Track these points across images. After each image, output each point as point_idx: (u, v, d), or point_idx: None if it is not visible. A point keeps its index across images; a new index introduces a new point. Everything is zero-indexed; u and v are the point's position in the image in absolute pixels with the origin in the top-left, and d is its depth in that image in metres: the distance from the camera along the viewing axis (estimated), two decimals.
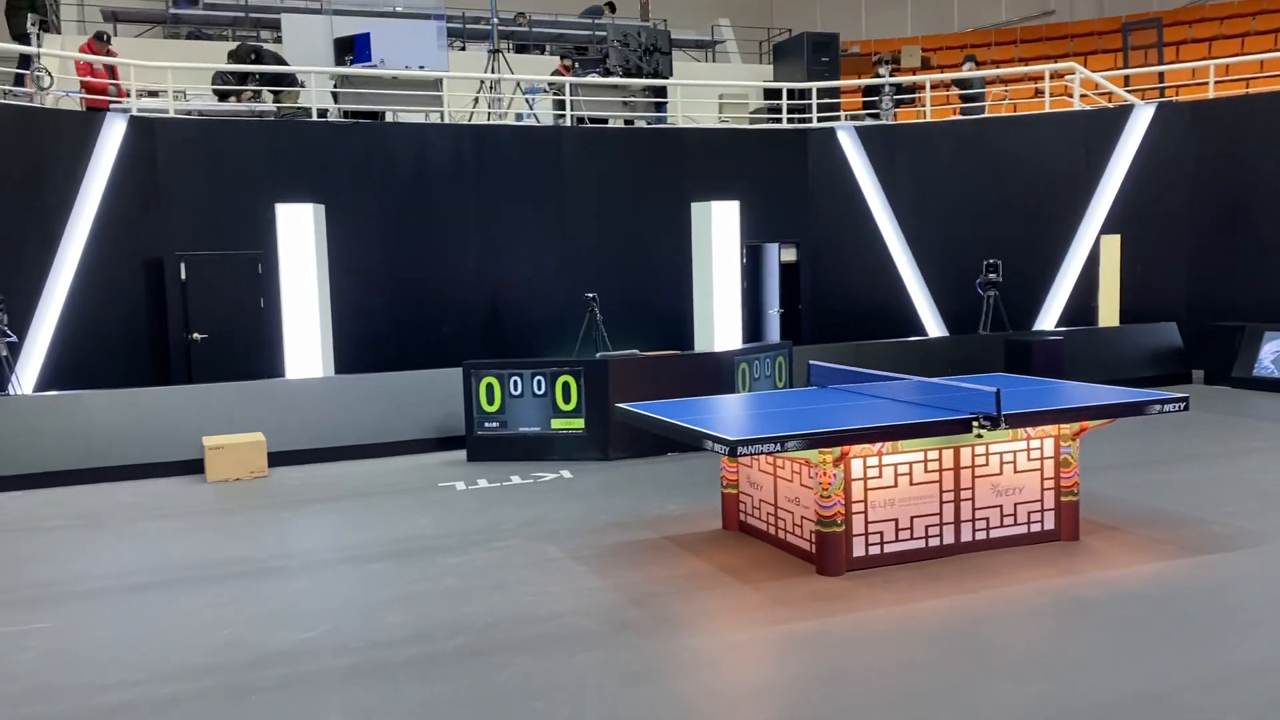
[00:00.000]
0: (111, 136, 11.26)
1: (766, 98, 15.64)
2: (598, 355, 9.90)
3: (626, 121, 14.28)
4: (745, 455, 5.11)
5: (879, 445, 5.58)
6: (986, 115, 14.63)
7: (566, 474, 8.43)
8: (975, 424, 5.55)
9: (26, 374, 10.32)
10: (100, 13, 14.79)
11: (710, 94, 15.58)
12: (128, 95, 12.10)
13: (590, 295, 12.06)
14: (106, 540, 6.83)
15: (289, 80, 13.09)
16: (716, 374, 9.19)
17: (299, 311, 11.06)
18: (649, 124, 14.25)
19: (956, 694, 4.08)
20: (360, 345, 11.83)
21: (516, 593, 5.47)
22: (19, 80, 11.53)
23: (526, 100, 14.08)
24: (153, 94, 12.36)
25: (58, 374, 10.64)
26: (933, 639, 4.65)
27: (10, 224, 10.45)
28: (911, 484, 5.73)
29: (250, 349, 11.46)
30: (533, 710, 4.03)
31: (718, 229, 11.92)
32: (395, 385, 9.89)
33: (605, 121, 14.25)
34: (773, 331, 14.07)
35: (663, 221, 13.41)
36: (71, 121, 11.25)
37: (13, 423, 8.61)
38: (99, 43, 11.73)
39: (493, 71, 14.08)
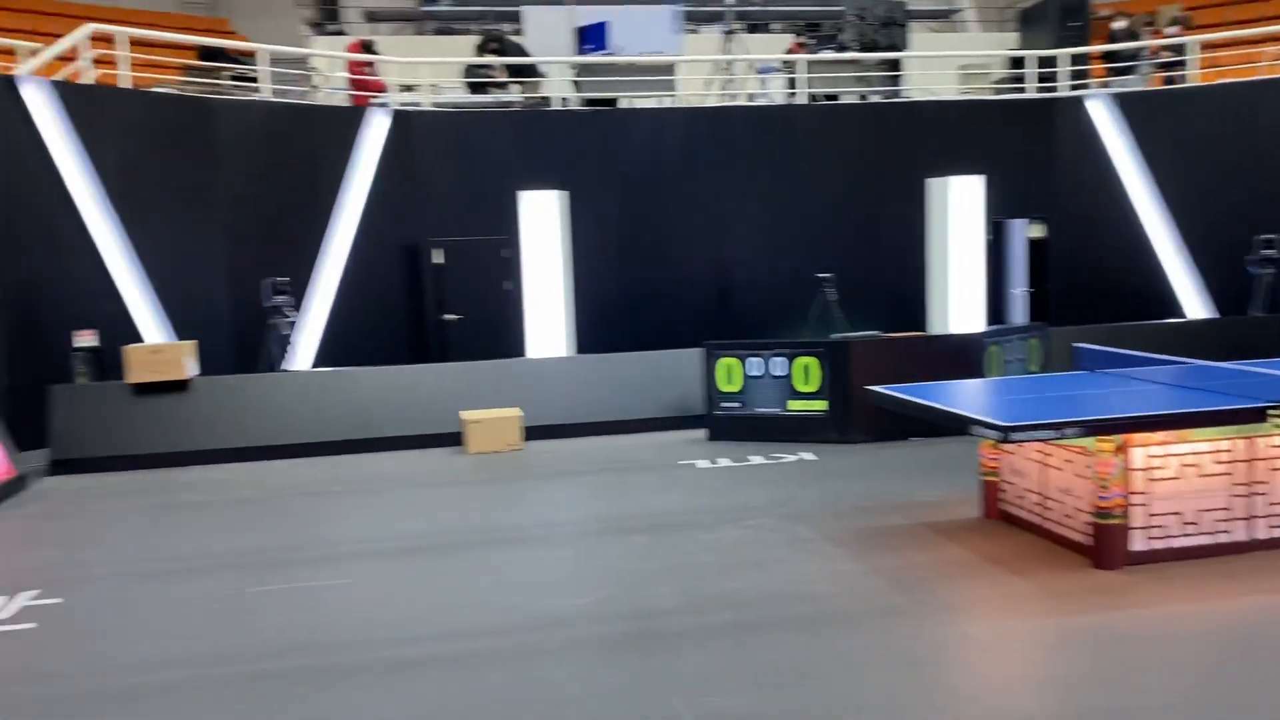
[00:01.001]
0: (375, 130, 12.05)
1: (1011, 66, 14.93)
2: (834, 336, 9.79)
3: (860, 97, 13.99)
4: (1019, 441, 4.92)
5: (1163, 434, 5.25)
6: (1265, 78, 13.40)
7: (809, 456, 8.40)
8: (1272, 413, 5.14)
9: (303, 351, 11.24)
10: (361, 13, 15.84)
11: (949, 65, 15.01)
12: (386, 90, 12.90)
13: (824, 275, 11.93)
14: (383, 506, 7.37)
15: (532, 71, 13.59)
16: (963, 357, 8.89)
17: (541, 293, 11.52)
18: (884, 98, 13.90)
19: (1262, 696, 3.80)
20: (597, 325, 12.17)
21: (775, 571, 5.50)
22: (296, 80, 12.51)
23: (759, 80, 14.03)
24: (409, 88, 13.12)
25: (328, 351, 11.53)
26: (1230, 640, 4.35)
27: (291, 214, 11.40)
28: (1199, 476, 5.36)
29: (497, 329, 12.02)
30: (809, 690, 4.05)
31: (957, 205, 11.51)
32: (637, 365, 10.14)
33: (837, 98, 14.02)
34: (1016, 312, 13.46)
35: (898, 199, 13.06)
36: (340, 117, 12.12)
37: (296, 396, 9.42)
38: (363, 47, 12.54)
39: (726, 53, 14.11)
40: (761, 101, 13.94)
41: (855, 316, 12.06)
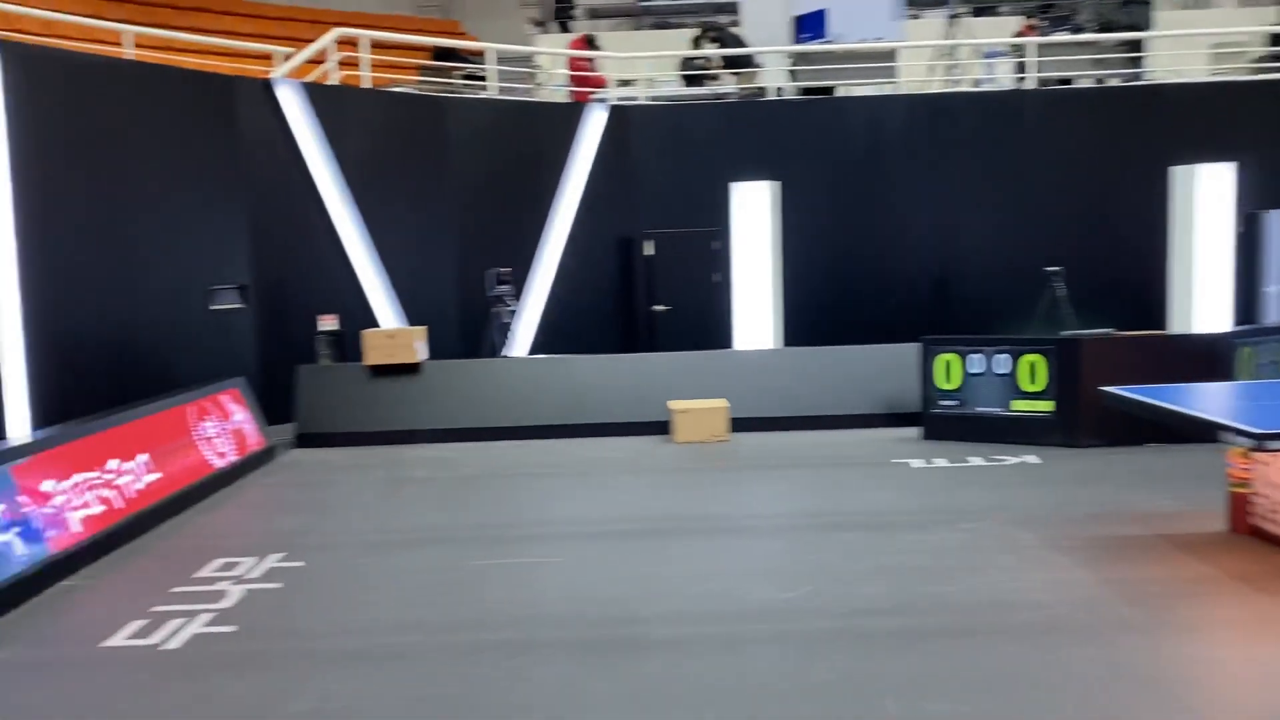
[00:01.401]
0: (593, 125, 12.35)
1: (1272, 44, 13.67)
2: (1064, 334, 9.26)
3: (1097, 81, 13.15)
4: (1276, 450, 4.50)
5: None
6: None
7: (1032, 459, 7.99)
8: None
9: (521, 338, 11.68)
10: (584, 10, 16.29)
11: (1199, 45, 13.90)
12: (606, 86, 13.19)
13: (1052, 269, 11.32)
14: (596, 489, 7.56)
15: (748, 61, 13.56)
16: (1210, 358, 8.21)
17: (750, 285, 11.49)
18: (1123, 81, 13.02)
19: None
20: (806, 318, 12.01)
21: (993, 577, 5.27)
22: (522, 78, 12.99)
23: (986, 65, 13.45)
24: (626, 83, 13.37)
25: (544, 339, 11.93)
26: None
27: (514, 207, 11.87)
28: None
29: (705, 320, 12.07)
30: (1030, 701, 3.86)
31: (1205, 195, 10.64)
32: (847, 358, 9.95)
33: (1070, 82, 13.24)
34: (1270, 311, 12.32)
35: (1135, 188, 12.20)
36: (561, 113, 12.49)
37: (515, 381, 9.80)
38: (588, 45, 12.86)
39: (950, 38, 13.60)
40: (987, 87, 13.36)
41: (1085, 312, 11.38)
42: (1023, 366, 8.56)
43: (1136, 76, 13.10)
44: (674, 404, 9.24)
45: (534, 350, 11.71)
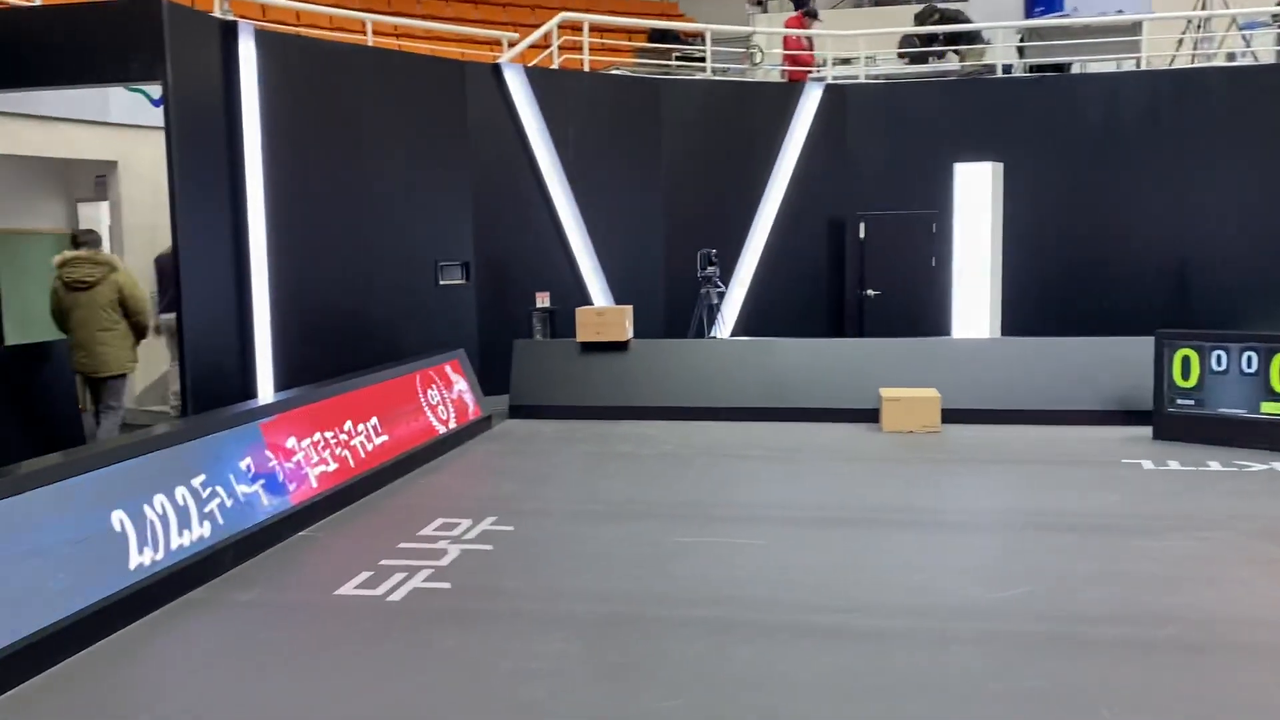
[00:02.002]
0: (808, 104, 12.17)
1: None
2: None
3: None
4: None
5: None
6: None
7: None
8: None
9: (726, 319, 11.69)
10: None
11: None
12: (824, 65, 12.97)
13: None
14: (799, 475, 7.49)
15: (972, 38, 12.99)
16: None
17: (969, 270, 11.05)
18: None
19: None
20: (1028, 306, 11.46)
21: (1231, 591, 4.87)
22: (739, 59, 12.96)
23: (1242, 37, 12.34)
24: (845, 62, 13.09)
25: (750, 321, 11.90)
26: None
27: (724, 188, 11.88)
28: None
29: (918, 306, 11.71)
30: None
31: None
32: (1071, 351, 9.42)
33: None
34: None
35: None
36: (776, 93, 12.38)
37: (720, 362, 9.83)
38: (809, 19, 12.65)
39: (1203, 8, 12.56)
40: (1244, 61, 12.26)
41: None
42: (1276, 366, 7.84)
43: None
44: (884, 391, 9.02)
45: (739, 332, 11.70)
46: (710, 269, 10.60)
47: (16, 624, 3.95)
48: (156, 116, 8.48)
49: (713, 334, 10.87)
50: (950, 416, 9.00)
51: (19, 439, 6.85)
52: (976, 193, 10.84)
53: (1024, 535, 5.89)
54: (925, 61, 13.01)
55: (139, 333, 7.85)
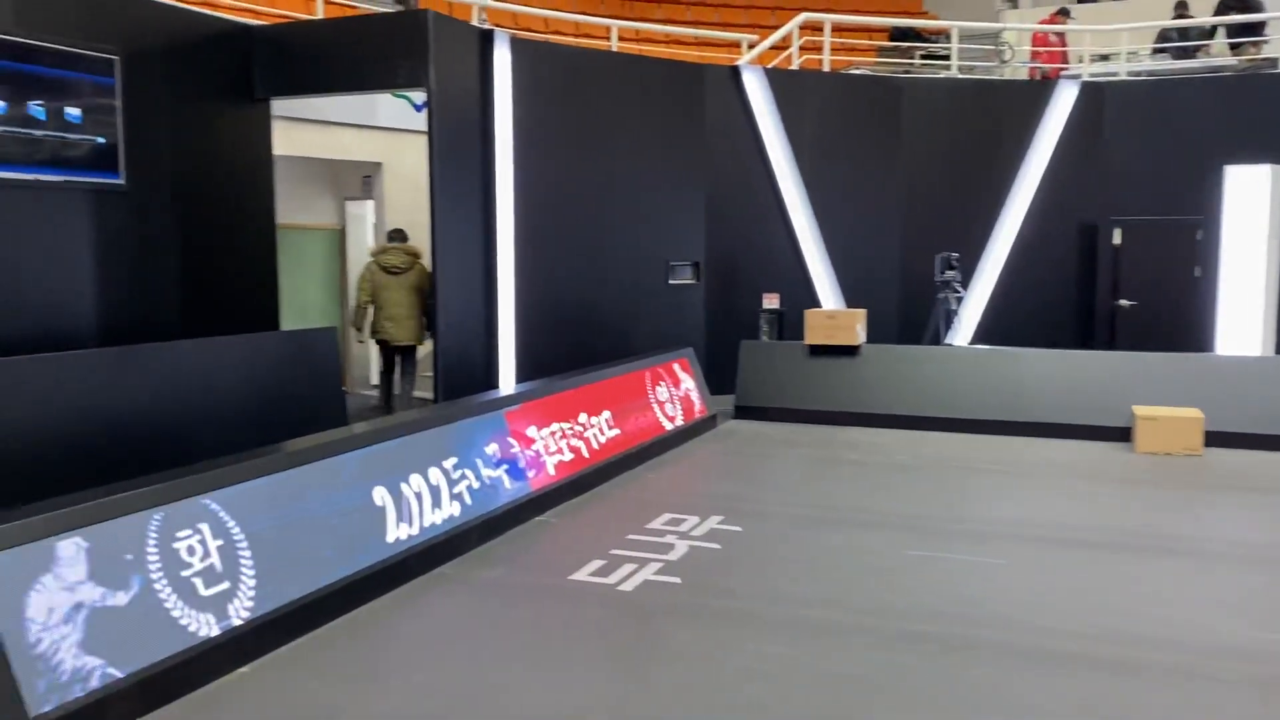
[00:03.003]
0: (1060, 104, 11.54)
1: None
2: None
3: None
4: None
5: None
6: None
7: None
8: None
9: (965, 327, 11.27)
10: None
11: None
12: (1080, 62, 12.27)
13: None
14: (1041, 492, 7.13)
15: (1255, 31, 11.93)
16: None
17: (1240, 282, 10.16)
18: None
19: None
20: None
21: None
22: (986, 56, 12.46)
23: None
24: (1104, 58, 12.33)
25: (988, 329, 11.42)
26: None
27: (966, 190, 11.46)
28: None
29: (1178, 319, 10.87)
30: None
31: None
32: None
33: None
34: None
35: None
36: (1025, 91, 11.81)
37: (956, 371, 9.49)
38: (1062, 15, 12.03)
39: None
40: None
41: None
42: None
43: None
44: (1139, 409, 8.44)
45: (978, 340, 11.25)
46: (950, 273, 10.26)
47: (291, 586, 4.34)
48: (419, 121, 9.09)
49: (949, 341, 10.51)
50: (1214, 439, 8.32)
51: (291, 416, 7.50)
52: (1251, 198, 9.94)
53: None
54: (1193, 56, 12.04)
55: (430, 315, 8.74)
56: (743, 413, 9.85)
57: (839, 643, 4.40)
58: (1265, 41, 11.88)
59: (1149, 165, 11.35)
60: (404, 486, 5.16)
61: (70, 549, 3.48)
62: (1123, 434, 8.58)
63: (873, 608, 4.83)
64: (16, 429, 5.75)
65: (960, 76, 12.03)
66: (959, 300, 10.47)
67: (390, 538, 4.99)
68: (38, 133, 7.04)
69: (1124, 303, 11.20)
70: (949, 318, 10.40)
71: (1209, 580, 5.26)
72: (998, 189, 11.60)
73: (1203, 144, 10.90)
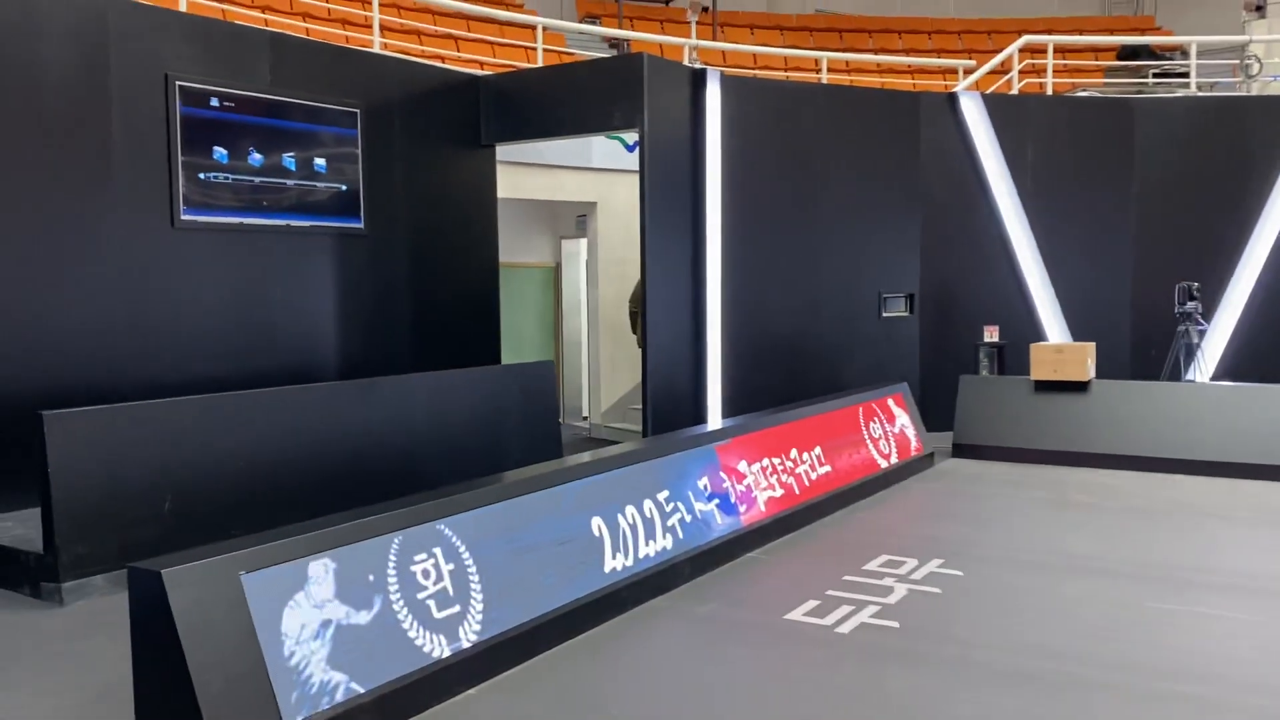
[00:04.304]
0: None
1: None
2: None
3: None
4: None
5: None
6: None
7: None
8: None
9: (1207, 361, 10.44)
10: None
11: None
12: None
13: None
14: None
15: None
16: None
17: None
18: None
19: None
20: None
21: None
22: (1231, 71, 11.61)
23: None
24: None
25: (1235, 363, 10.54)
26: None
27: (1206, 213, 10.65)
28: None
29: None
30: None
31: None
32: None
33: None
34: None
35: None
36: (1276, 107, 10.90)
37: (1197, 408, 8.79)
38: None
39: None
40: None
41: None
42: None
43: None
44: None
45: (1223, 375, 10.40)
46: (1191, 304, 9.55)
47: (515, 612, 4.48)
48: (630, 160, 9.32)
49: (1190, 376, 9.77)
50: None
51: (512, 446, 7.80)
52: None
53: None
54: None
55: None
56: (961, 451, 9.47)
57: (1075, 698, 4.12)
58: None
59: None
60: (619, 518, 5.25)
61: (320, 569, 3.72)
62: None
63: (1114, 662, 4.50)
64: (266, 456, 6.24)
65: (1199, 94, 11.24)
66: (1201, 333, 9.72)
67: (607, 568, 5.08)
68: (289, 182, 7.67)
69: None
70: (1190, 351, 9.67)
71: None
72: (1245, 213, 10.72)
73: None
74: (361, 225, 8.12)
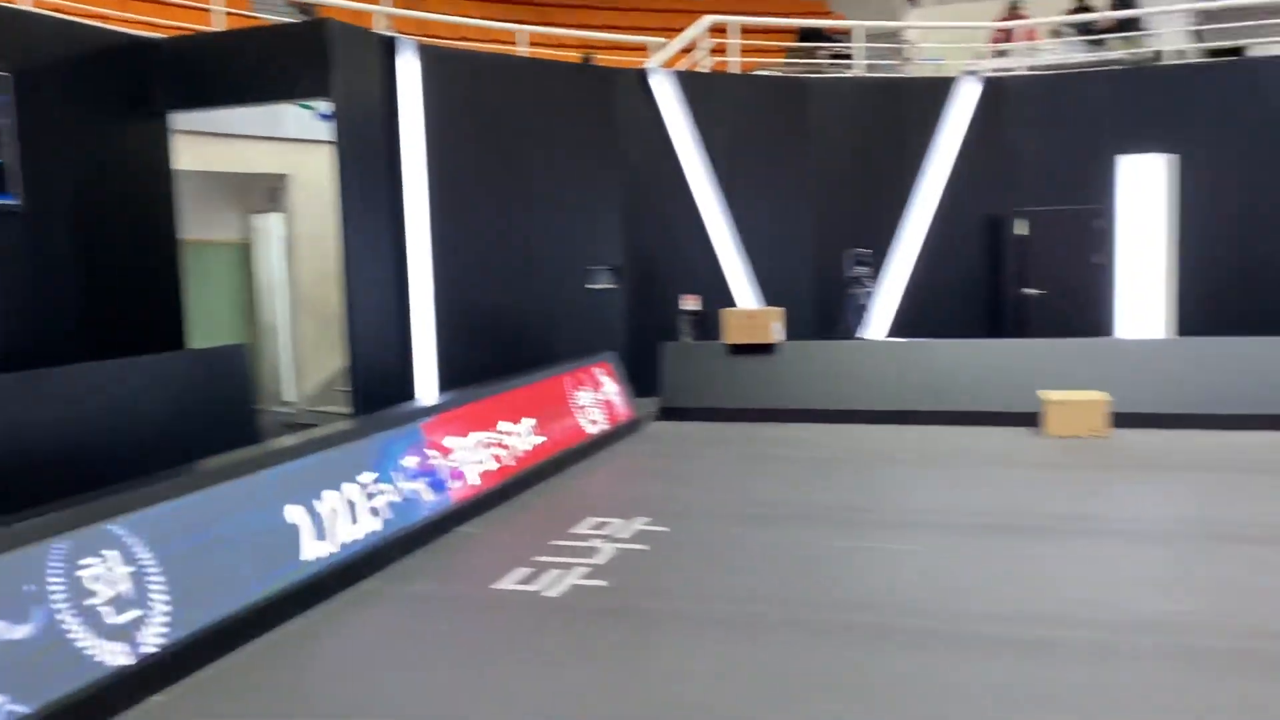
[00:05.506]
0: (963, 100, 11.81)
1: None
2: None
3: None
4: None
5: None
6: None
7: None
8: None
9: (879, 321, 11.46)
10: None
11: None
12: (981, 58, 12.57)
13: None
14: (957, 480, 7.28)
15: (1136, 24, 12.38)
16: None
17: (1137, 268, 10.52)
18: None
19: None
20: (1206, 304, 10.80)
21: None
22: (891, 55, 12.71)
23: None
24: (1002, 53, 12.67)
25: (904, 321, 11.63)
26: None
27: (874, 185, 11.65)
28: None
29: (1082, 306, 11.21)
30: None
31: None
32: (1256, 351, 8.87)
33: None
34: None
35: None
36: (928, 88, 12.05)
37: (872, 363, 9.65)
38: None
39: None
40: None
41: None
42: None
43: None
44: (1046, 394, 8.68)
45: (894, 333, 11.46)
46: (859, 269, 10.43)
47: (208, 609, 4.21)
48: (325, 131, 8.93)
49: (860, 334, 10.68)
50: (1120, 421, 8.59)
51: (201, 436, 7.30)
52: (1143, 186, 10.31)
53: (1203, 546, 5.57)
54: (1094, 48, 12.44)
55: None
56: (667, 414, 9.88)
57: (767, 637, 4.42)
58: (1148, 35, 12.32)
59: (1049, 157, 11.67)
60: (318, 503, 5.06)
61: None
62: (1032, 419, 8.82)
63: (800, 601, 4.87)
64: None
65: (866, 75, 12.25)
66: (868, 294, 10.66)
67: (309, 555, 4.89)
68: None
69: (1030, 291, 11.50)
70: (859, 312, 10.57)
71: (1119, 558, 5.42)
72: (905, 185, 11.81)
73: (1100, 136, 11.25)
74: (15, 201, 7.28)
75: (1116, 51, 12.39)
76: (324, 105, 8.77)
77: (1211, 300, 10.91)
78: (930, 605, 4.77)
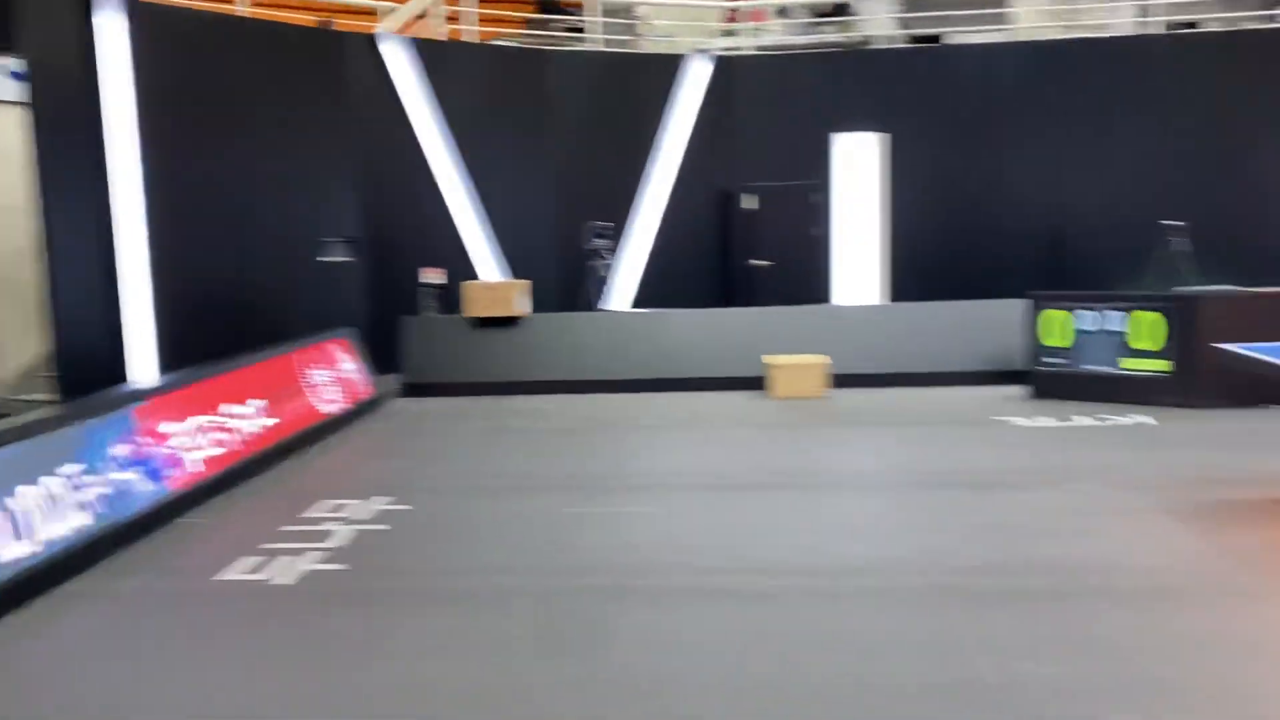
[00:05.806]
0: (695, 77, 12.21)
1: None
2: (1182, 290, 8.88)
3: (1226, 24, 12.45)
4: None
5: None
6: None
7: (1145, 419, 7.72)
8: None
9: (623, 292, 11.71)
10: None
11: None
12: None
13: (1173, 223, 10.80)
14: (692, 443, 7.59)
15: (846, 9, 13.22)
16: None
17: (850, 239, 11.28)
18: (1260, 24, 12.29)
19: None
20: (913, 273, 11.75)
21: (1100, 540, 5.12)
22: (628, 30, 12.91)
23: (1107, 9, 12.83)
24: (730, 33, 13.18)
25: (647, 292, 11.95)
26: None
27: (613, 159, 11.85)
28: None
29: (804, 275, 11.90)
30: (1128, 665, 3.75)
31: None
32: (952, 314, 9.75)
33: (1196, 26, 12.56)
34: None
35: (1269, 140, 11.57)
36: (664, 64, 12.36)
37: (612, 335, 9.87)
38: None
39: None
40: (1110, 33, 12.76)
41: (1211, 270, 10.88)
42: (1136, 324, 8.24)
43: (1271, 18, 12.34)
44: (770, 359, 9.18)
45: (636, 304, 11.74)
46: (599, 241, 10.61)
47: None
48: (16, 91, 8.06)
49: (601, 306, 10.88)
50: (838, 381, 9.21)
51: None
52: (855, 162, 11.04)
53: (907, 493, 6.10)
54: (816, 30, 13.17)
55: None
56: (411, 390, 9.68)
57: (502, 607, 4.45)
58: (861, 19, 13.18)
59: (775, 134, 12.27)
60: (13, 500, 4.60)
61: None
62: (760, 383, 9.30)
63: (540, 569, 4.93)
64: None
65: (603, 49, 12.41)
66: (608, 266, 10.87)
67: (6, 557, 4.44)
68: None
69: (758, 262, 12.10)
70: (600, 283, 10.77)
71: (838, 508, 5.85)
72: (642, 159, 12.09)
73: (820, 114, 11.93)
74: None
75: (835, 35, 13.17)
76: (13, 62, 7.92)
77: (918, 268, 11.88)
78: (664, 563, 4.95)
